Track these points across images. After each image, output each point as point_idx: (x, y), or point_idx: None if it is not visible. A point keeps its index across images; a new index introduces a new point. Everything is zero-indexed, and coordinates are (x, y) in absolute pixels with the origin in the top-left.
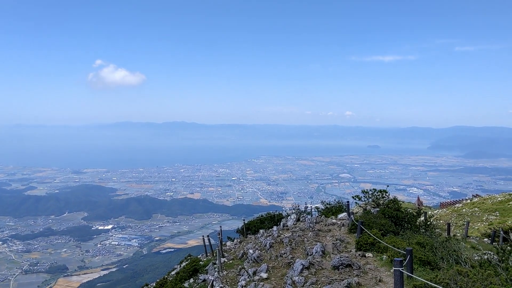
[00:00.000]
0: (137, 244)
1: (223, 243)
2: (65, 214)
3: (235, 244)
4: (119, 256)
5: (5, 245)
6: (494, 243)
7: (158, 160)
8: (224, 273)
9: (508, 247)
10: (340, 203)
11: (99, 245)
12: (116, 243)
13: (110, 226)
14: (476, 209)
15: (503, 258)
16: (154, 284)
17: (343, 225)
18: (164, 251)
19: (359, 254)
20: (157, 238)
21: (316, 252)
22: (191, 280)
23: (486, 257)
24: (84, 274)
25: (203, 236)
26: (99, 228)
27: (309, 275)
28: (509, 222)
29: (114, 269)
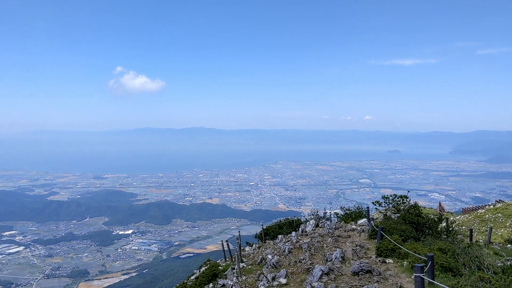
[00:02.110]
0: (156, 249)
1: (242, 248)
2: (86, 219)
3: (253, 250)
4: (139, 261)
5: (27, 249)
6: None
7: (178, 165)
8: (243, 278)
9: None
10: (359, 208)
11: (119, 250)
12: (136, 248)
13: (130, 231)
14: (499, 214)
15: None
16: None
17: (363, 231)
18: (183, 256)
19: (379, 260)
20: (176, 243)
21: (335, 258)
22: (210, 285)
23: (509, 263)
24: (105, 278)
25: (221, 241)
26: (120, 233)
27: (329, 281)
28: None
29: (134, 274)
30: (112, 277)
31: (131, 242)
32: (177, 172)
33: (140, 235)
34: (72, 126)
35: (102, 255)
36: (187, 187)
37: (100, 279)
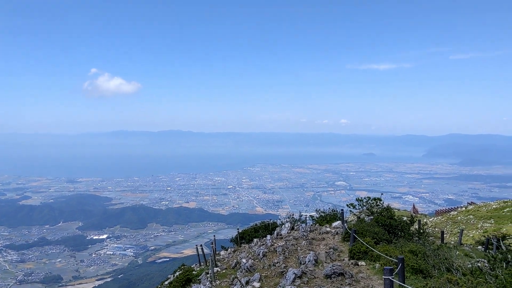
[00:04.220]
0: (132, 253)
1: (217, 252)
2: (59, 224)
3: (228, 254)
4: (114, 266)
5: None
6: (487, 251)
7: (154, 169)
8: (217, 282)
9: (499, 255)
10: (334, 211)
11: (94, 255)
12: (111, 252)
13: (105, 236)
14: (471, 216)
15: (494, 266)
16: None
17: (337, 233)
18: (159, 261)
19: (352, 263)
20: (152, 248)
21: (309, 261)
22: None
23: (478, 265)
24: (79, 284)
25: (196, 245)
26: (94, 237)
27: (301, 284)
28: (504, 229)
29: (109, 279)
30: (86, 283)
31: (105, 247)
32: (153, 176)
33: (115, 239)
34: (46, 129)
35: (76, 261)
36: (164, 191)
37: (74, 285)
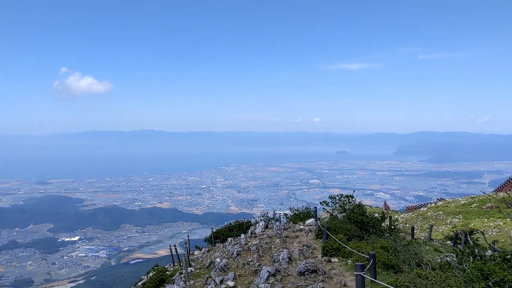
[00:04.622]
0: (105, 255)
1: (191, 252)
2: (30, 226)
3: (202, 253)
4: (86, 268)
5: None
6: (456, 246)
7: (126, 170)
8: (191, 282)
9: (467, 249)
10: (308, 209)
11: (65, 257)
12: (83, 254)
13: (77, 238)
14: (441, 212)
15: (462, 260)
16: None
17: (310, 231)
18: (133, 262)
19: (325, 260)
20: (125, 249)
21: (282, 259)
22: None
23: (447, 259)
24: (51, 287)
25: (170, 246)
26: (66, 239)
27: (275, 282)
28: (472, 224)
29: (81, 281)
30: (58, 285)
31: (78, 249)
32: (126, 176)
33: (87, 241)
34: (14, 130)
35: (47, 263)
36: (137, 191)
37: (46, 287)
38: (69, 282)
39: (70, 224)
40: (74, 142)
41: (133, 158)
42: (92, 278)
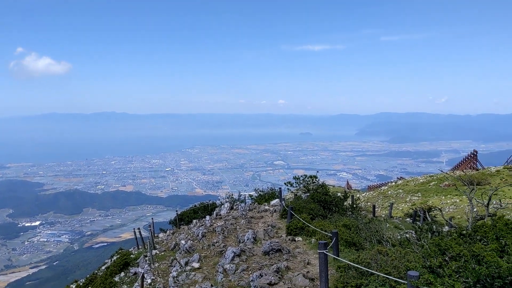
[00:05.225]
0: (67, 239)
1: (156, 235)
2: None
3: (167, 236)
4: (48, 253)
5: None
6: (415, 222)
7: (87, 153)
8: (156, 265)
9: (425, 226)
10: (273, 190)
11: (26, 243)
12: (45, 239)
13: (37, 223)
14: (400, 190)
15: (420, 236)
16: (83, 280)
17: (275, 211)
18: (96, 246)
19: (289, 239)
20: (88, 233)
21: (247, 239)
22: (122, 274)
23: (406, 236)
24: (12, 273)
25: (134, 229)
26: (26, 225)
27: (240, 262)
28: (430, 202)
29: (43, 267)
30: (20, 271)
31: (39, 234)
32: (87, 160)
33: (48, 226)
34: None
35: (8, 249)
36: (99, 174)
37: (6, 274)
38: (31, 268)
39: (30, 209)
40: (32, 125)
41: (94, 141)
42: (54, 263)
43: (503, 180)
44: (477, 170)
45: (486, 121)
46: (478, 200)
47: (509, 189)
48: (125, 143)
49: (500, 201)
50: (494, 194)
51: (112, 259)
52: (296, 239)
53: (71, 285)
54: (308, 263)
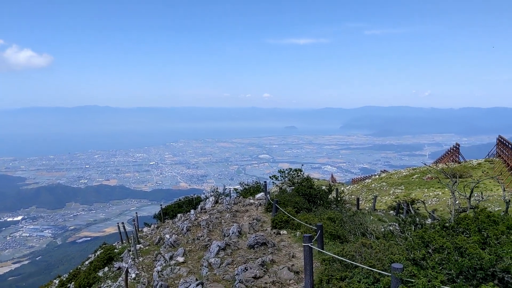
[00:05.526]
0: (50, 234)
1: (140, 229)
2: None
3: (152, 230)
4: (31, 248)
5: None
6: (398, 215)
7: (70, 147)
8: (140, 259)
9: (409, 218)
10: (258, 183)
11: (8, 238)
12: (28, 234)
13: (20, 218)
14: (384, 183)
15: (404, 228)
16: (67, 275)
17: (260, 204)
18: (80, 241)
19: (274, 232)
20: (72, 228)
21: (232, 233)
22: (106, 269)
23: (390, 228)
24: None
25: (118, 223)
26: (8, 219)
27: (225, 256)
28: (413, 194)
29: (26, 262)
30: (2, 267)
31: (21, 229)
32: (70, 154)
33: (31, 221)
34: None
35: None
36: (82, 169)
37: None
38: (13, 263)
39: (12, 203)
40: (13, 118)
41: (77, 135)
42: (37, 258)
43: (484, 173)
44: (459, 163)
45: (468, 115)
46: (460, 192)
47: (490, 182)
48: (108, 136)
49: (481, 193)
50: (476, 187)
51: (96, 254)
52: (281, 232)
53: (54, 280)
54: (293, 256)
